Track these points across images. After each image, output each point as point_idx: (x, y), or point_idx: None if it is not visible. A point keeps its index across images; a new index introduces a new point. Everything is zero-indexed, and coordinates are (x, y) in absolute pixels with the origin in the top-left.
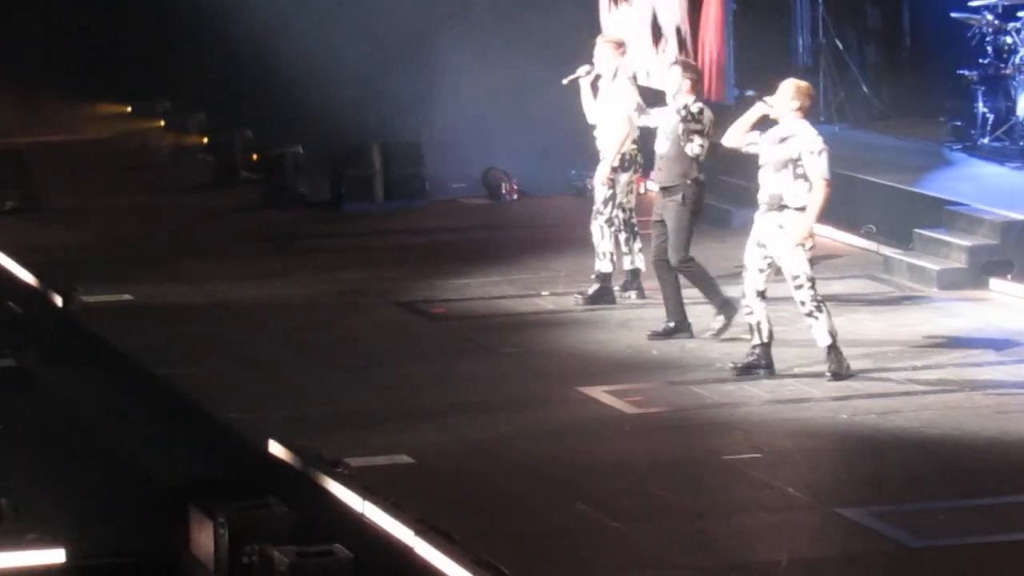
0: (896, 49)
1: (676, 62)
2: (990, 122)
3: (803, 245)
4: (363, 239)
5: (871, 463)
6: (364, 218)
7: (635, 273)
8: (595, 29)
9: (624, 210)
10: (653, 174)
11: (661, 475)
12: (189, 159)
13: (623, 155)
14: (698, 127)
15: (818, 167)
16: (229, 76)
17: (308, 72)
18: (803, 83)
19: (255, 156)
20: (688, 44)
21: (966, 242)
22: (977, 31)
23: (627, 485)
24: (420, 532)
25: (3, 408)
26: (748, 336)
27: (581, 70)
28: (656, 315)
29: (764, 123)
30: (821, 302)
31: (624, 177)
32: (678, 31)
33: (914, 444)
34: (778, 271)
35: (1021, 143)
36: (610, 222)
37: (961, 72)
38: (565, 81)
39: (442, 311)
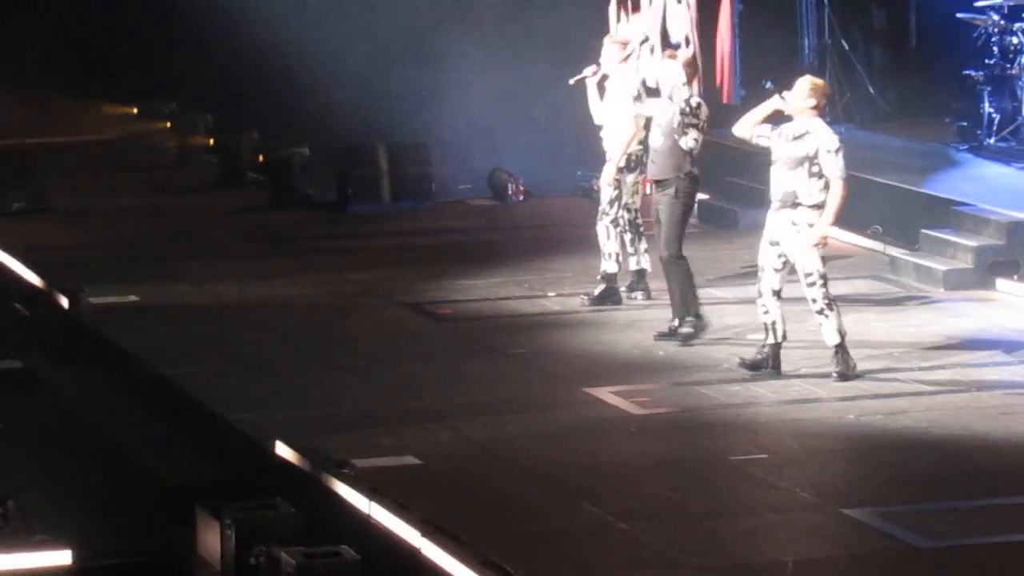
0: (902, 50)
1: (672, 56)
2: (996, 122)
3: (820, 245)
4: (369, 240)
5: (878, 464)
6: (370, 219)
7: (641, 274)
8: (602, 29)
9: (629, 211)
10: (648, 167)
11: (667, 476)
12: (195, 160)
13: (629, 156)
14: (694, 121)
15: (836, 165)
16: (235, 77)
17: (314, 73)
18: (819, 81)
19: (261, 157)
20: (698, 53)
21: (972, 242)
22: (983, 31)
23: (633, 486)
24: (427, 533)
25: (10, 409)
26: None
27: (588, 70)
28: (662, 316)
29: (777, 120)
30: (832, 301)
31: (630, 178)
32: (687, 40)
33: (921, 444)
34: (792, 269)
35: None
36: (615, 223)
37: (967, 72)
38: (572, 81)
39: (448, 312)
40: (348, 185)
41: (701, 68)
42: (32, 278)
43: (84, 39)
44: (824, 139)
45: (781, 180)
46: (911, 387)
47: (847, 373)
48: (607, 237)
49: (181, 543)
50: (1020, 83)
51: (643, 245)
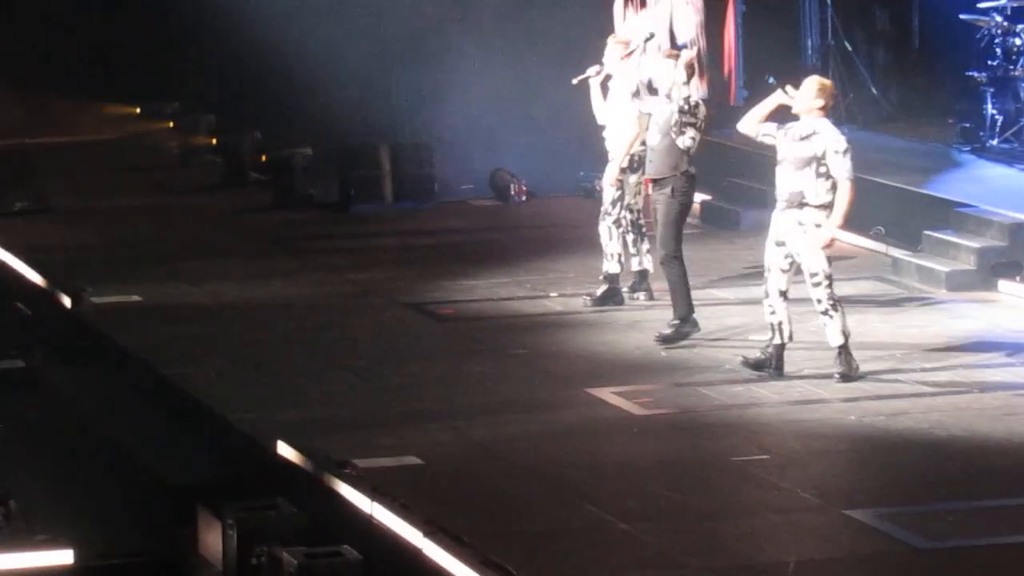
0: (905, 51)
1: (671, 55)
2: (999, 124)
3: (828, 247)
4: (371, 240)
5: (880, 465)
6: (372, 219)
7: (643, 274)
8: (604, 29)
9: (632, 211)
10: (645, 166)
11: (669, 476)
12: (197, 160)
13: (632, 156)
14: (692, 120)
15: (843, 167)
16: (237, 77)
17: (316, 73)
18: (827, 81)
19: (264, 157)
20: (703, 54)
21: (975, 244)
22: (986, 33)
23: (635, 486)
24: (429, 533)
25: (12, 409)
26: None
27: (591, 70)
28: (664, 316)
29: (782, 117)
30: (837, 301)
31: (632, 178)
32: (692, 43)
33: (923, 445)
34: (798, 270)
35: None
36: (618, 223)
37: (970, 74)
38: (575, 81)
39: (450, 312)
40: (350, 185)
41: (708, 69)
42: (34, 278)
43: (86, 39)
44: (832, 140)
45: (788, 180)
46: (913, 388)
47: (849, 374)
48: (609, 237)
49: (183, 543)
50: (1023, 84)
51: (645, 246)
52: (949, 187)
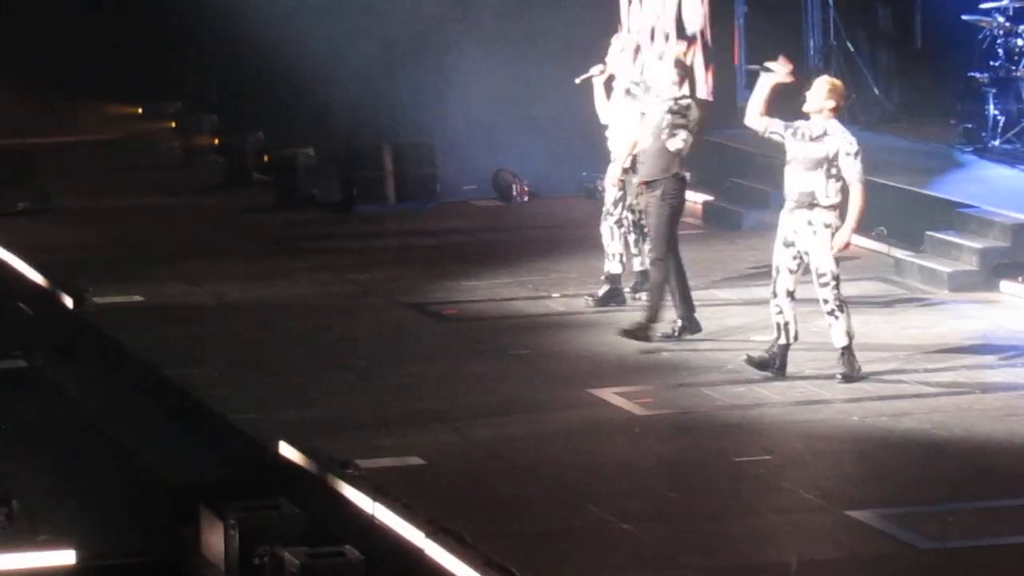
0: (907, 51)
1: (674, 62)
2: (1001, 124)
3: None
4: (373, 240)
5: (882, 465)
6: (375, 219)
7: (644, 275)
8: (607, 29)
9: (633, 211)
10: (638, 168)
11: (670, 476)
12: (200, 160)
13: (634, 156)
14: (683, 122)
15: (855, 168)
16: (240, 78)
17: (318, 73)
18: (838, 82)
19: (266, 157)
20: (711, 45)
21: (977, 244)
22: (988, 33)
23: (637, 486)
24: (431, 533)
25: (13, 409)
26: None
27: (594, 69)
28: (666, 317)
29: (784, 116)
30: (844, 303)
31: (635, 179)
32: (701, 33)
33: (925, 446)
34: (805, 270)
35: None
36: (619, 223)
37: (972, 74)
38: (578, 81)
39: (452, 312)
40: (353, 185)
41: (714, 58)
42: (36, 278)
43: (86, 39)
44: (844, 142)
45: (798, 180)
46: (915, 389)
47: (852, 375)
48: (611, 238)
49: (185, 543)
50: None
51: (647, 246)
52: (951, 188)
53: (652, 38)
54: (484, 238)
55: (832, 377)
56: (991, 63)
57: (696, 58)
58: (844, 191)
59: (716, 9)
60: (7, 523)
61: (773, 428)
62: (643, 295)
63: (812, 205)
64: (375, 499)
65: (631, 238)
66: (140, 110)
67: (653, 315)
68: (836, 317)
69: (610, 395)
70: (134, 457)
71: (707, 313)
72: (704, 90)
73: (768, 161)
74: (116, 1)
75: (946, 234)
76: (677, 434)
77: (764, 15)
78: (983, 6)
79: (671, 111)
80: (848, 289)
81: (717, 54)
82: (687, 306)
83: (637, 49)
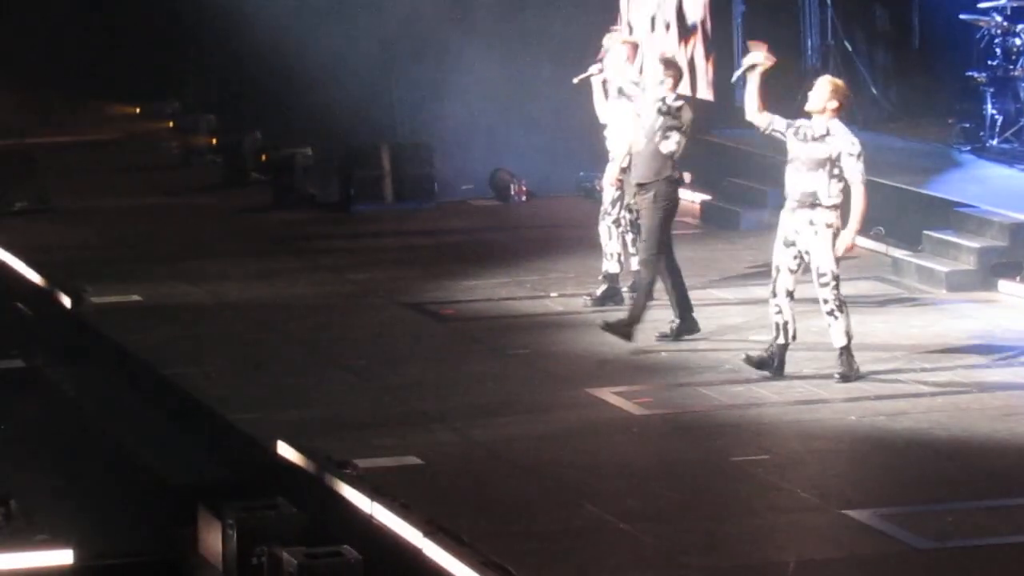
0: (905, 51)
1: (659, 59)
2: (999, 124)
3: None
4: (372, 240)
5: (880, 465)
6: (373, 219)
7: None
8: (604, 28)
9: (631, 211)
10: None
11: (669, 476)
12: (198, 160)
13: (632, 156)
14: (675, 123)
15: (857, 170)
16: (238, 77)
17: (316, 73)
18: (840, 82)
19: (264, 157)
20: (711, 36)
21: (975, 244)
22: (986, 33)
23: (635, 486)
24: (429, 533)
25: (12, 409)
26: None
27: (593, 68)
28: (665, 316)
29: (790, 113)
30: (844, 303)
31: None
32: (702, 23)
33: (923, 446)
34: (805, 270)
35: None
36: (617, 223)
37: (970, 74)
38: (576, 80)
39: (451, 312)
40: (351, 185)
41: (714, 48)
42: (34, 277)
43: (86, 39)
44: (847, 143)
45: (800, 180)
46: (913, 388)
47: (849, 375)
48: (609, 237)
49: (183, 543)
50: (1023, 84)
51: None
52: (949, 187)
53: (652, 27)
54: (482, 238)
55: (830, 377)
56: (989, 62)
57: (697, 49)
58: (845, 191)
59: (715, 8)
60: (5, 523)
61: (771, 428)
62: None
63: (814, 205)
64: (373, 499)
65: (629, 237)
66: (138, 110)
67: (637, 315)
68: (836, 317)
69: (609, 395)
70: (132, 457)
71: (705, 313)
72: (705, 81)
73: (766, 160)
74: (115, 1)
75: (944, 233)
76: (675, 434)
77: (762, 15)
78: (981, 5)
79: (663, 113)
80: (846, 289)
81: (718, 48)
82: (684, 306)
83: (635, 48)
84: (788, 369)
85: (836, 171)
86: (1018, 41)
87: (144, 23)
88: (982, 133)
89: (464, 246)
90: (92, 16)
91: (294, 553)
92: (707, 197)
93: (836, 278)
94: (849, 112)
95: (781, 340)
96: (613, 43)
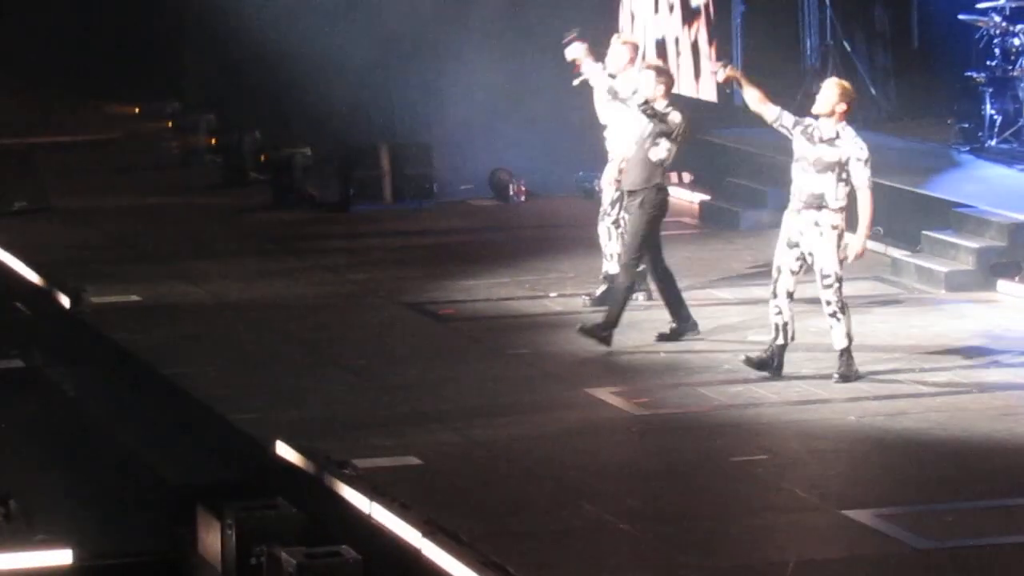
0: (904, 51)
1: (649, 67)
2: (998, 124)
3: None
4: (371, 240)
5: (879, 465)
6: (372, 219)
7: (642, 275)
8: (605, 29)
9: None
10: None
11: (668, 476)
12: (197, 160)
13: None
14: (665, 128)
15: (865, 175)
16: (237, 77)
17: (315, 73)
18: (847, 84)
19: (263, 157)
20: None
21: (974, 244)
22: (985, 33)
23: (634, 486)
24: (428, 533)
25: (11, 408)
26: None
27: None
28: (664, 316)
29: (794, 111)
30: (845, 305)
31: None
32: (705, 7)
33: (922, 446)
34: (806, 271)
35: None
36: (617, 223)
37: (969, 74)
38: (576, 83)
39: (450, 312)
40: (350, 185)
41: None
42: (33, 277)
43: (85, 39)
44: (855, 148)
45: (807, 182)
46: (912, 388)
47: (849, 376)
48: (609, 238)
49: (182, 543)
50: (1022, 85)
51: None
52: (948, 187)
53: (656, 9)
54: (481, 238)
55: (829, 377)
56: (988, 63)
57: (700, 33)
58: (851, 194)
59: (714, 8)
60: (4, 523)
61: (770, 428)
62: (639, 295)
63: (820, 207)
64: (372, 499)
65: None
66: (138, 110)
67: (613, 320)
68: (838, 319)
69: (608, 395)
70: (131, 457)
71: (704, 313)
72: (708, 66)
73: (766, 160)
74: (115, 1)
75: (943, 234)
76: (675, 434)
77: (761, 15)
78: (980, 6)
79: (646, 112)
80: (845, 289)
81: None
82: (679, 307)
83: (635, 48)
84: (787, 369)
85: (844, 175)
86: (1017, 41)
87: (144, 23)
88: (981, 133)
89: (463, 246)
90: (92, 16)
91: (293, 553)
92: (706, 197)
93: (839, 280)
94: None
95: (780, 341)
96: (614, 44)
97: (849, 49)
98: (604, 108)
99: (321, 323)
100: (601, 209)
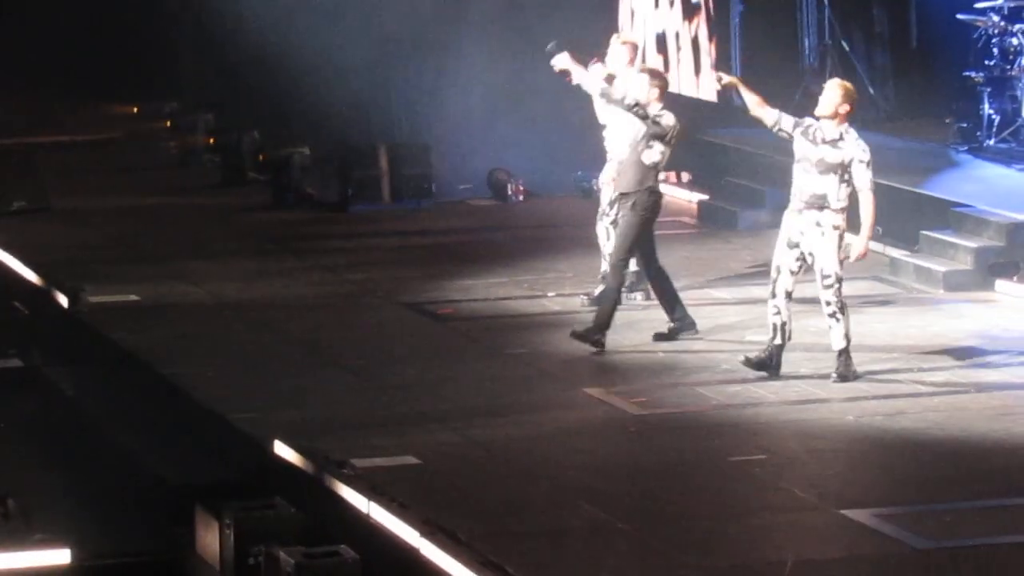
0: (902, 51)
1: (643, 70)
2: (996, 124)
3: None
4: (369, 240)
5: (878, 464)
6: (371, 219)
7: (640, 274)
8: (603, 28)
9: None
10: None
11: (667, 476)
12: (196, 160)
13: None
14: (658, 131)
15: (867, 177)
16: (235, 77)
17: (314, 73)
18: (850, 85)
19: (262, 157)
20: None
21: (972, 244)
22: (983, 33)
23: (633, 486)
24: (426, 533)
25: (9, 408)
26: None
27: (593, 68)
28: (662, 316)
29: (794, 111)
30: (845, 305)
31: None
32: (706, 4)
33: (920, 445)
34: (806, 271)
35: None
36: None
37: (967, 74)
38: (576, 82)
39: (448, 312)
40: (349, 185)
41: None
42: (32, 277)
43: (84, 38)
44: (858, 150)
45: (809, 183)
46: (911, 388)
47: (847, 376)
48: (607, 237)
49: (180, 542)
50: (1020, 84)
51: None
52: (947, 187)
53: (656, 5)
54: (480, 237)
55: (827, 376)
56: (986, 62)
57: (701, 29)
58: (852, 195)
59: (713, 8)
60: (2, 522)
61: (768, 427)
62: (637, 295)
63: (822, 207)
64: (371, 499)
65: None
66: (136, 110)
67: (604, 322)
68: (837, 320)
69: (606, 394)
70: (130, 456)
71: (702, 312)
72: (709, 62)
73: (764, 160)
74: (114, 1)
75: (941, 233)
76: (673, 434)
77: (760, 14)
78: (978, 5)
79: (637, 114)
80: (843, 289)
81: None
82: (676, 306)
83: (635, 48)
84: (785, 369)
85: (846, 176)
86: (1015, 41)
87: (142, 23)
88: (979, 133)
89: (462, 246)
90: (91, 16)
91: (291, 553)
92: (705, 197)
93: (839, 281)
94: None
95: (778, 341)
96: (613, 43)
97: (847, 49)
98: (603, 108)
99: (319, 323)
100: (600, 209)
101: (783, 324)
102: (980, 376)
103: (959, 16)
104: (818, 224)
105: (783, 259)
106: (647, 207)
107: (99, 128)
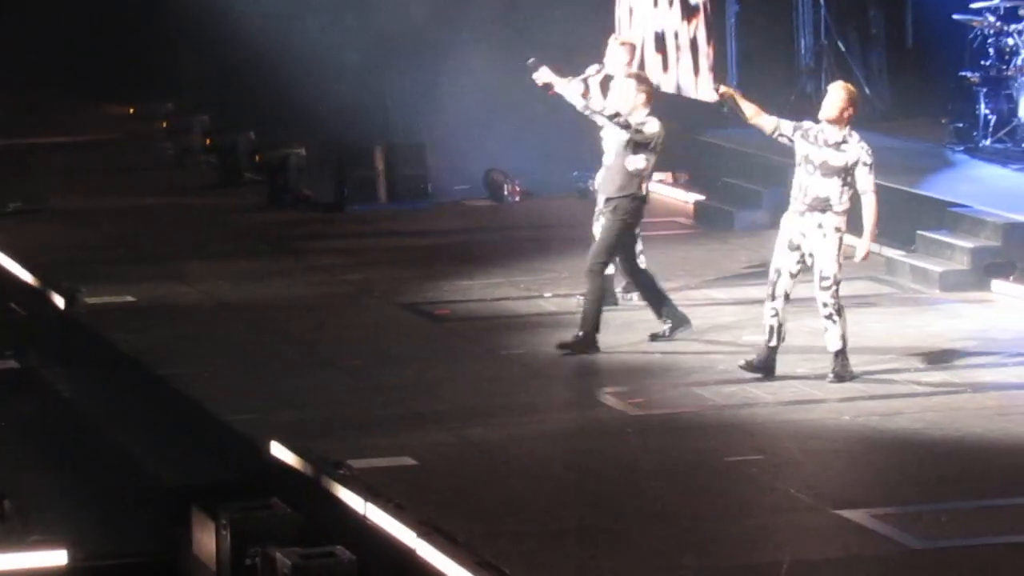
0: (898, 51)
1: (630, 75)
2: (992, 124)
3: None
4: (366, 240)
5: (874, 465)
6: (367, 219)
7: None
8: (600, 28)
9: None
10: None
11: (664, 477)
12: (192, 160)
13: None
14: (641, 139)
15: (870, 179)
16: (232, 77)
17: (310, 73)
18: (853, 88)
19: (258, 157)
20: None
21: (968, 244)
22: (979, 33)
23: (630, 486)
24: (423, 534)
25: (6, 409)
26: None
27: (591, 69)
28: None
29: (789, 113)
30: (842, 307)
31: None
32: (704, 7)
33: (917, 446)
34: (804, 272)
35: (1023, 145)
36: None
37: (963, 74)
38: (558, 91)
39: (445, 312)
40: (345, 185)
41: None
42: (28, 278)
43: (81, 39)
44: (862, 152)
45: (812, 185)
46: (907, 388)
47: (844, 376)
48: None
49: (177, 543)
50: (1016, 84)
51: (639, 247)
52: (943, 187)
53: (655, 3)
54: (476, 238)
55: (823, 377)
56: (982, 62)
57: (699, 30)
58: (853, 197)
59: (710, 8)
60: (0, 523)
61: (765, 428)
62: (634, 296)
63: (825, 209)
64: (367, 499)
65: None
66: (132, 110)
67: (592, 326)
68: (834, 321)
69: (603, 395)
70: (127, 457)
71: (699, 313)
72: (706, 64)
73: (760, 161)
74: (111, 2)
75: (937, 233)
76: (670, 434)
77: (756, 15)
78: (974, 5)
79: (621, 124)
80: (840, 289)
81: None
82: (663, 306)
83: (633, 49)
84: (782, 370)
85: (849, 179)
86: (1011, 41)
87: (139, 24)
88: (975, 133)
89: (458, 246)
90: (90, 16)
91: (288, 554)
92: (701, 197)
93: (838, 283)
94: None
95: (773, 343)
96: (612, 44)
97: (843, 49)
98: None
99: (316, 323)
100: (596, 209)
101: (780, 326)
102: (976, 376)
103: (955, 16)
104: (820, 226)
105: (783, 261)
106: (629, 212)
107: (97, 128)
